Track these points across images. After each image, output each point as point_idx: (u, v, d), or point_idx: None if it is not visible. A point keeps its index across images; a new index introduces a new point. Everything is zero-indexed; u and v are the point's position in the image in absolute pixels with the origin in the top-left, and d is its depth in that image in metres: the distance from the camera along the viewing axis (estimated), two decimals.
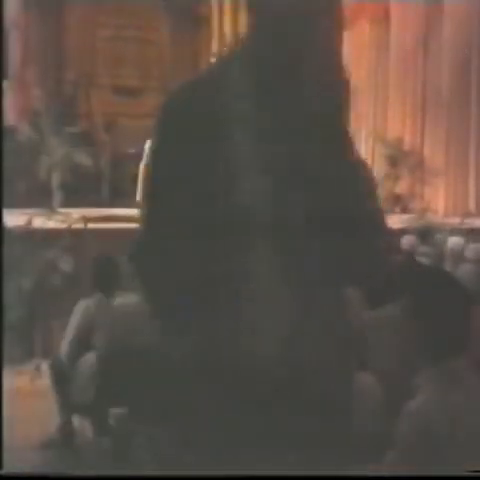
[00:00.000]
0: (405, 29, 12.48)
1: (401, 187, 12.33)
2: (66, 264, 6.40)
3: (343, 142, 1.48)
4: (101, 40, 13.04)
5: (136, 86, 13.14)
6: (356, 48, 13.28)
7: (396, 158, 12.28)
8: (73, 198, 9.69)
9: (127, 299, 3.94)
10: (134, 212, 10.47)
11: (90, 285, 4.40)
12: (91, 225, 7.20)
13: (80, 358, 4.20)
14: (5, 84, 9.87)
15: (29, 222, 6.71)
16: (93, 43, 12.95)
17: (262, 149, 1.39)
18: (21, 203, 7.45)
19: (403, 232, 7.18)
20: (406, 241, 6.34)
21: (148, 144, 10.20)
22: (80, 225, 7.10)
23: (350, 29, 13.04)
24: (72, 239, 6.67)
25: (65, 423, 4.33)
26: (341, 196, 1.42)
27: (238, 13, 13.79)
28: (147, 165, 1.42)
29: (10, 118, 9.95)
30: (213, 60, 13.51)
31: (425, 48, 12.17)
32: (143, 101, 13.01)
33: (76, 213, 8.09)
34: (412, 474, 1.93)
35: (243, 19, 13.84)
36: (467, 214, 10.45)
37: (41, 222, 6.92)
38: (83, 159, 9.89)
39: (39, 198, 8.67)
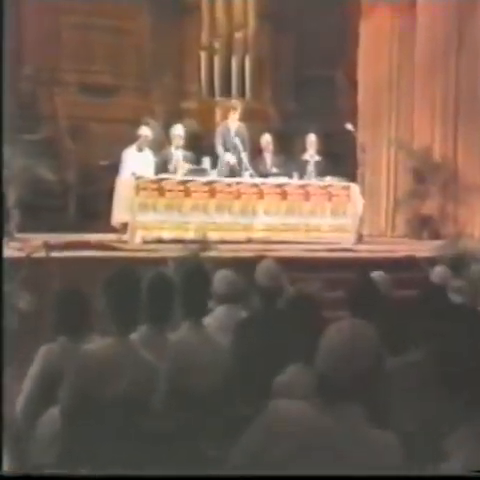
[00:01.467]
0: (434, 18, 12.61)
1: (430, 207, 12.41)
2: (24, 301, 6.43)
3: None
4: (66, 28, 13.12)
5: (109, 84, 13.22)
6: (375, 40, 13.43)
7: (424, 172, 12.37)
8: (33, 220, 9.74)
9: (97, 343, 3.97)
10: (107, 237, 10.46)
11: (53, 326, 4.43)
12: (55, 254, 7.24)
13: (41, 415, 4.22)
14: None
15: None
16: (56, 32, 13.04)
17: None
18: None
19: (433, 262, 7.22)
20: (436, 273, 6.38)
21: (125, 153, 10.26)
22: (41, 253, 7.14)
23: (369, 18, 13.21)
24: (31, 270, 6.70)
25: None
26: None
27: None
28: None
29: None
30: (203, 54, 13.63)
31: (458, 41, 12.30)
32: (117, 102, 13.10)
33: (36, 239, 8.13)
34: (412, 474, 2.02)
35: (238, 4, 13.99)
36: None
37: None
38: (45, 172, 9.93)
39: None
